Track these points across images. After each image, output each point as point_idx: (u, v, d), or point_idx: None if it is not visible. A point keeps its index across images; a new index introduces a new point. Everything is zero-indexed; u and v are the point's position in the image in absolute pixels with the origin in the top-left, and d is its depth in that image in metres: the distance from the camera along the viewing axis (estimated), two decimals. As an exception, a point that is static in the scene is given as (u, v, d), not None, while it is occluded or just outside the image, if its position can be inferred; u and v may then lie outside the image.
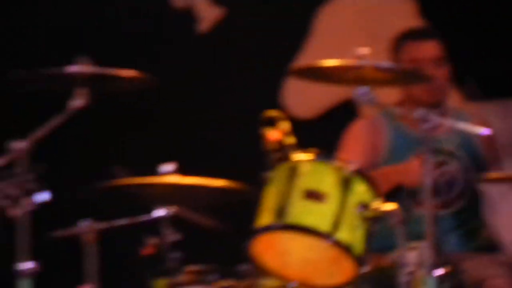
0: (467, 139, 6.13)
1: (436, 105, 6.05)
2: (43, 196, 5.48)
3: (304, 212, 5.29)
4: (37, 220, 5.45)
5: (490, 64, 6.66)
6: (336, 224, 5.24)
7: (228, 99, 6.93)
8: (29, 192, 5.48)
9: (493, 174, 6.05)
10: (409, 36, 6.32)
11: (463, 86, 5.60)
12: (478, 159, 6.19)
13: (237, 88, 6.90)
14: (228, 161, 6.15)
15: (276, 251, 5.42)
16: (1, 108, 6.44)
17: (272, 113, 5.51)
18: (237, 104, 6.41)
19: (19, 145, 5.52)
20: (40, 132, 5.54)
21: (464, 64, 6.24)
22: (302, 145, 5.43)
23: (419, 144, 5.55)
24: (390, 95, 6.11)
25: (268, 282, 5.47)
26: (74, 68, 5.58)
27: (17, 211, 5.42)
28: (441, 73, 6.16)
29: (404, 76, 5.75)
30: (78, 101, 5.59)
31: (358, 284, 5.42)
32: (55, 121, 5.57)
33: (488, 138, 6.01)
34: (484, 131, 5.61)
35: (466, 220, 6.17)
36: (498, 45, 6.71)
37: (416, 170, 5.69)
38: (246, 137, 5.66)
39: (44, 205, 5.50)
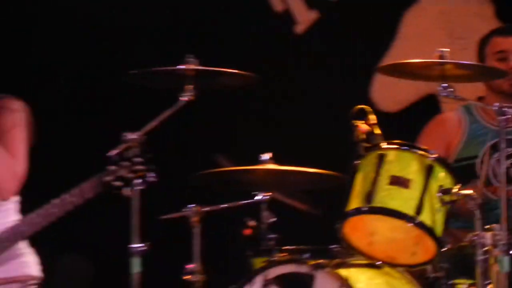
0: None
1: None
2: (151, 178, 5.69)
3: (390, 197, 5.47)
4: (150, 204, 5.75)
5: None
6: (419, 208, 5.41)
7: (322, 95, 7.04)
8: (140, 175, 5.74)
9: None
10: (496, 32, 6.42)
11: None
12: None
13: (330, 84, 7.00)
14: (322, 151, 6.24)
15: (364, 232, 5.62)
16: (120, 102, 6.59)
17: (362, 107, 5.71)
18: (330, 99, 6.50)
19: (132, 135, 5.74)
20: (154, 124, 5.78)
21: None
22: (388, 136, 5.65)
23: (495, 135, 5.78)
24: (471, 90, 6.16)
25: (356, 260, 5.55)
26: (183, 67, 5.79)
27: (129, 192, 5.67)
28: None
29: (482, 72, 5.89)
30: (186, 96, 5.76)
31: (438, 262, 5.58)
32: (166, 114, 5.78)
33: None
34: None
35: None
36: None
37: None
38: (338, 129, 5.75)
39: (155, 189, 5.78)
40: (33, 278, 4.22)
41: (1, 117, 4.67)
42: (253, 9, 7.27)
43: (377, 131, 5.61)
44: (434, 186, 5.44)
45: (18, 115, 4.73)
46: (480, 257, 5.30)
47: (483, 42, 6.34)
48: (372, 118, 5.60)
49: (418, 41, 6.67)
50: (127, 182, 5.78)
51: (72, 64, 6.08)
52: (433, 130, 6.40)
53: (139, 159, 5.54)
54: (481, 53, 6.30)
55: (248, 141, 6.18)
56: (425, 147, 5.65)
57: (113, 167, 5.25)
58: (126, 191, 5.49)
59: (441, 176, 5.48)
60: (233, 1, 7.35)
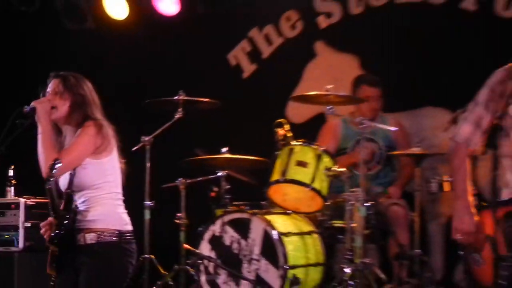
0: (385, 132, 6.17)
1: (373, 116, 6.18)
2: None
3: (296, 172, 5.60)
4: (156, 176, 5.95)
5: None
6: (313, 179, 5.56)
7: (259, 113, 6.54)
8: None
9: (402, 151, 6.12)
10: (365, 81, 6.33)
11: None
12: (391, 143, 6.32)
13: (264, 106, 6.70)
14: (257, 146, 5.95)
15: (280, 193, 5.81)
16: (139, 117, 6.39)
17: (281, 120, 5.80)
18: (264, 116, 6.11)
19: (146, 138, 5.89)
20: (159, 130, 5.90)
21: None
22: (296, 137, 5.71)
23: (359, 135, 5.88)
24: (347, 108, 6.30)
25: (275, 210, 5.69)
26: (176, 97, 5.86)
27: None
28: (377, 103, 6.26)
29: (350, 100, 6.16)
30: (178, 114, 5.91)
31: (324, 211, 5.79)
32: (167, 125, 5.94)
33: (399, 132, 6.23)
34: (393, 128, 5.98)
35: (382, 176, 6.30)
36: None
37: (357, 157, 5.75)
38: (268, 133, 5.63)
39: (159, 167, 5.97)
40: (128, 231, 3.97)
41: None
42: (217, 64, 7.15)
43: (289, 134, 5.74)
44: (321, 166, 5.63)
45: (89, 129, 3.97)
46: (348, 207, 5.48)
47: (356, 84, 6.40)
48: (287, 127, 5.78)
49: (314, 81, 6.55)
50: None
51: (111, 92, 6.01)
52: (323, 133, 6.61)
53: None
54: (354, 90, 6.33)
55: (215, 141, 6.04)
56: (317, 143, 5.90)
57: None
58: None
59: (326, 160, 5.67)
60: (207, 59, 7.04)
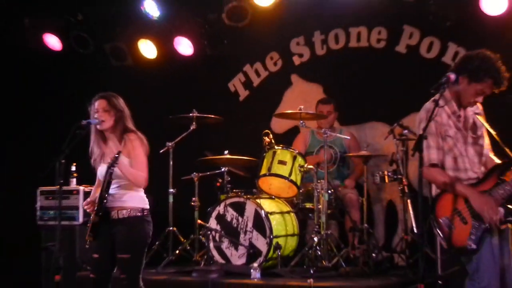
0: (341, 140, 6.11)
1: (328, 126, 5.97)
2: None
3: (278, 169, 5.54)
4: (177, 170, 5.81)
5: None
6: (290, 173, 5.52)
7: (252, 126, 6.31)
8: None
9: (353, 154, 5.94)
10: (321, 101, 6.25)
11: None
12: (345, 148, 6.17)
13: (253, 122, 6.52)
14: (250, 150, 5.67)
15: (267, 183, 5.74)
16: (165, 129, 6.14)
17: (267, 131, 5.76)
18: (255, 128, 6.09)
19: (170, 143, 5.82)
20: (178, 139, 5.83)
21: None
22: (277, 143, 5.64)
23: (321, 142, 5.77)
24: (314, 123, 6.16)
25: (263, 196, 5.62)
26: (191, 114, 5.77)
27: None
28: (332, 116, 6.17)
29: (314, 116, 5.98)
30: (193, 126, 5.82)
31: (298, 196, 5.68)
32: (184, 135, 5.85)
33: (352, 140, 6.08)
34: (347, 137, 5.93)
35: (339, 172, 6.19)
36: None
37: (320, 158, 5.68)
38: (258, 140, 5.60)
39: (179, 164, 5.84)
40: (148, 209, 4.07)
41: (129, 146, 4.04)
42: (220, 90, 7.00)
43: (273, 141, 5.68)
44: (296, 164, 5.60)
45: (137, 143, 4.10)
46: (315, 194, 5.46)
47: (316, 105, 6.19)
48: (271, 136, 5.74)
49: (290, 103, 6.35)
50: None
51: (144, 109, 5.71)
52: (297, 140, 6.43)
53: None
54: (316, 109, 6.12)
55: (219, 146, 5.92)
56: (292, 147, 5.83)
57: None
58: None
59: (300, 160, 5.64)
60: (213, 87, 6.95)
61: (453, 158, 3.69)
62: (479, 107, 3.83)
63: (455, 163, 3.69)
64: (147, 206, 4.18)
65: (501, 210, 3.50)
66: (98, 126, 4.15)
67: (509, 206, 3.49)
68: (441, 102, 3.56)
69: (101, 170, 4.18)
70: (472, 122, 3.77)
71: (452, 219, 3.58)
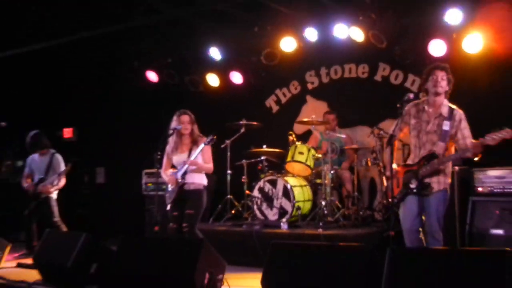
0: (340, 138, 5.82)
1: (332, 129, 5.89)
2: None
3: (298, 157, 5.49)
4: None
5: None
6: (306, 159, 5.49)
7: (280, 130, 6.04)
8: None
9: (348, 147, 5.78)
10: (326, 112, 6.10)
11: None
12: (343, 144, 5.90)
13: (275, 128, 6.27)
14: (280, 145, 5.63)
15: (291, 167, 5.67)
16: (225, 131, 5.76)
17: (291, 132, 5.79)
18: (285, 130, 5.83)
19: (227, 141, 5.68)
20: (233, 138, 5.69)
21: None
22: (298, 140, 5.60)
23: (326, 140, 5.72)
24: (322, 128, 6.06)
25: (289, 175, 5.50)
26: (241, 122, 5.68)
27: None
28: (334, 122, 6.00)
29: (323, 123, 5.81)
30: (242, 130, 5.69)
31: (312, 175, 5.61)
32: (236, 135, 5.65)
33: (347, 138, 5.89)
34: (344, 136, 5.71)
35: (339, 159, 5.87)
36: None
37: (325, 150, 5.54)
38: (285, 139, 5.64)
39: (234, 153, 5.73)
40: (206, 185, 4.29)
41: (200, 143, 4.28)
42: (260, 106, 6.78)
43: (294, 139, 5.60)
44: (310, 154, 5.55)
45: (202, 139, 4.32)
46: (323, 173, 5.26)
47: (324, 115, 6.04)
48: (293, 136, 5.69)
49: (306, 114, 6.21)
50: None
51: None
52: (311, 139, 6.21)
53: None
54: (323, 118, 5.93)
55: (260, 142, 5.69)
56: (308, 143, 5.69)
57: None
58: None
59: (312, 151, 5.57)
60: (255, 104, 6.76)
61: (414, 138, 3.66)
62: (461, 115, 3.62)
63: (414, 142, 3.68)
64: (206, 183, 4.39)
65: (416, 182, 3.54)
66: (182, 131, 4.38)
67: (425, 181, 3.51)
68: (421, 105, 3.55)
69: (177, 158, 4.35)
70: (437, 120, 3.61)
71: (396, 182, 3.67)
